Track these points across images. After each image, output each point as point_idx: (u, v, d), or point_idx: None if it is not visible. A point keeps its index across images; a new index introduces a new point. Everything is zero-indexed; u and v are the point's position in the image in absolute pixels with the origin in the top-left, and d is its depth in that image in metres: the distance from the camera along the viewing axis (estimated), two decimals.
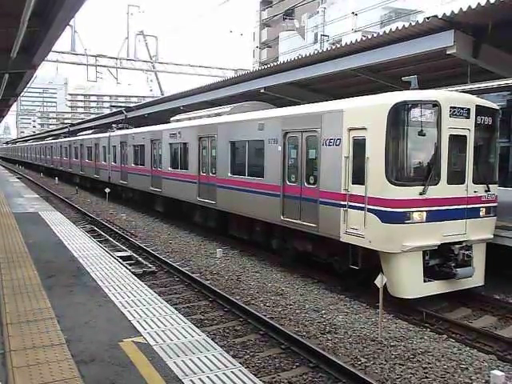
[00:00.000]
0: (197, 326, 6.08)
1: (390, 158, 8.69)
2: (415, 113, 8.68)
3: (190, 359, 4.76)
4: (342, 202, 9.50)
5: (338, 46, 12.30)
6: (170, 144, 18.35)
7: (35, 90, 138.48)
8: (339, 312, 8.97)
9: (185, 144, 17.10)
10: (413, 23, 9.94)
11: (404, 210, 8.59)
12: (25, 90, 20.31)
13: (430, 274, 8.94)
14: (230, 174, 13.96)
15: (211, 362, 4.72)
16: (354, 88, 15.14)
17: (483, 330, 8.16)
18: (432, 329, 8.24)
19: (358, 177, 9.16)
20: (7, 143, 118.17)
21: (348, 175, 9.41)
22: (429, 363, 6.88)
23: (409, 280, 8.80)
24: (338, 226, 9.56)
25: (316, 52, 13.23)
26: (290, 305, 9.37)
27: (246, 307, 8.89)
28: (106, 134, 27.35)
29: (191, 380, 4.33)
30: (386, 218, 8.65)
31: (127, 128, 26.98)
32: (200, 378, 4.37)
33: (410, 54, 10.72)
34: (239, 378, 4.40)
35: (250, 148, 13.19)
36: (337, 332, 8.03)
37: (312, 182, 10.59)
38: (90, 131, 34.79)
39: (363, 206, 9.00)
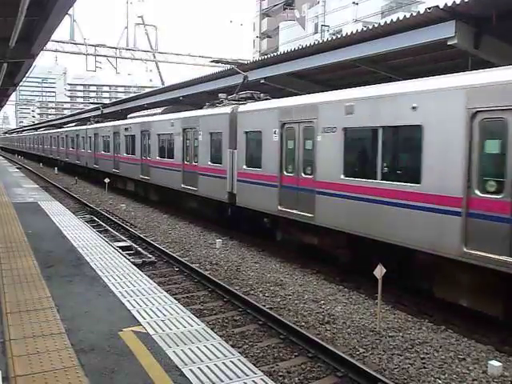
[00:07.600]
0: (196, 316, 6.09)
1: None
2: None
3: (189, 349, 4.78)
4: None
5: (339, 36, 12.24)
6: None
7: (34, 80, 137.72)
8: (338, 302, 9.00)
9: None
10: (414, 14, 9.89)
11: None
12: (23, 79, 20.20)
13: None
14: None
15: (210, 351, 4.74)
16: (357, 79, 15.07)
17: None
18: (430, 319, 8.27)
19: None
20: (7, 133, 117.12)
21: None
22: (427, 353, 6.91)
23: None
24: None
25: (316, 42, 13.16)
26: (289, 295, 9.40)
27: (246, 297, 8.93)
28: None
29: (190, 369, 4.35)
30: None
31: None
32: (199, 368, 4.39)
33: (410, 45, 10.67)
34: (238, 368, 4.41)
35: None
36: (335, 322, 8.07)
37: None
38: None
39: None
